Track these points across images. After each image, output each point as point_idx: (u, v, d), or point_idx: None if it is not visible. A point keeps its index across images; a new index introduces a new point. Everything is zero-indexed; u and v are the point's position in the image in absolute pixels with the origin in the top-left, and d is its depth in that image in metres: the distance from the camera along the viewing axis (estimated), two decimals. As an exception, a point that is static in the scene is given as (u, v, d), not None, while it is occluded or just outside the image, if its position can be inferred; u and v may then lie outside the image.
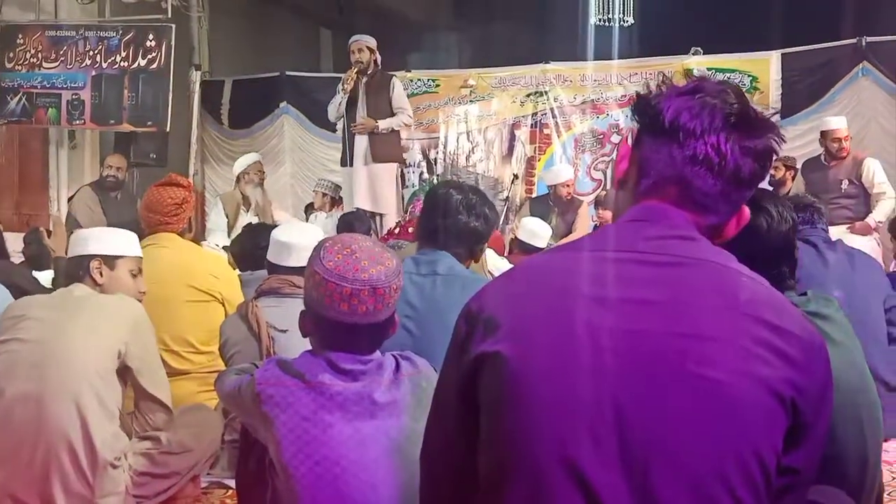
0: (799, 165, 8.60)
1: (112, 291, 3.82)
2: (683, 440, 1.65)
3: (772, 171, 8.41)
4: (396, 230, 7.70)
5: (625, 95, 10.66)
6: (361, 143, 8.37)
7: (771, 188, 7.04)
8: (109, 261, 3.85)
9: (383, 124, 8.29)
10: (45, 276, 6.33)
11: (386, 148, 8.42)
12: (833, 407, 1.80)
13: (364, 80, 8.30)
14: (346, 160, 8.48)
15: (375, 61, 8.46)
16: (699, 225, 1.80)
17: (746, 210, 1.86)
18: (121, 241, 3.94)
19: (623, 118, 10.83)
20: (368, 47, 8.42)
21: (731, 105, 1.78)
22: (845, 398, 2.58)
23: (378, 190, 8.39)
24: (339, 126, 9.04)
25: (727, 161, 1.77)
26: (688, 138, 1.77)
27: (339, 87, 8.50)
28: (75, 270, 3.84)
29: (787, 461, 1.70)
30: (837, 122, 8.19)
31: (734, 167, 1.77)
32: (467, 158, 11.52)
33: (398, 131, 8.62)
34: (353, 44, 8.50)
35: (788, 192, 7.91)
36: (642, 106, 1.84)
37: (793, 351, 1.70)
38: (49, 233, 7.65)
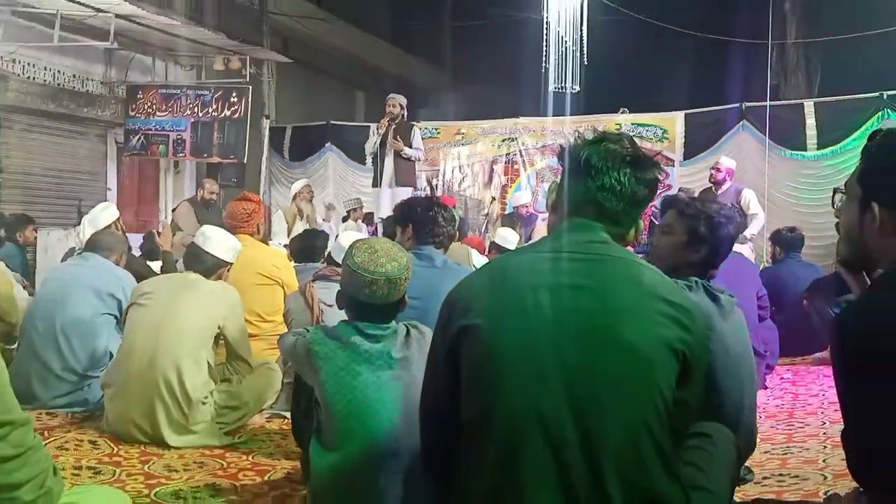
0: (696, 194, 8.59)
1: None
2: (611, 389, 1.66)
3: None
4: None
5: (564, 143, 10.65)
6: (388, 171, 8.34)
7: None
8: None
9: (406, 151, 8.25)
10: (156, 266, 6.33)
11: (405, 176, 8.39)
12: (720, 366, 1.82)
13: (393, 126, 8.27)
14: (377, 183, 8.47)
15: (403, 114, 8.43)
16: (611, 233, 1.84)
17: (641, 223, 1.90)
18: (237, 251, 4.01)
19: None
20: (400, 104, 8.37)
21: (627, 149, 1.85)
22: (728, 360, 2.59)
23: None
24: (369, 160, 9.10)
25: (626, 189, 1.82)
26: (598, 173, 1.82)
27: (375, 129, 8.46)
28: (215, 268, 3.87)
29: (680, 396, 1.73)
30: (727, 161, 8.19)
31: (631, 193, 1.83)
32: (459, 185, 11.59)
33: (414, 164, 8.59)
34: (389, 100, 8.44)
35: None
36: (567, 153, 1.89)
37: (682, 317, 1.73)
38: (159, 233, 7.65)
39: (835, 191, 1.89)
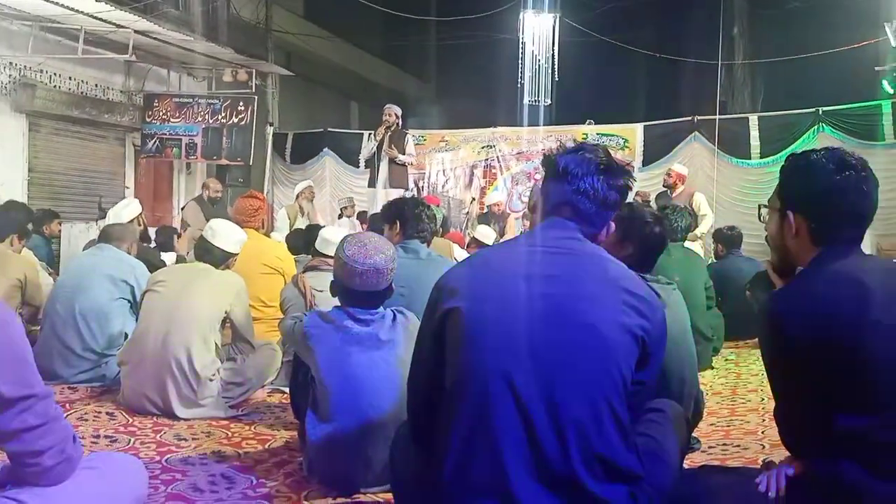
0: (652, 197, 8.63)
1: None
2: (575, 364, 1.67)
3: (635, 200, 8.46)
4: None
5: (544, 149, 10.67)
6: (383, 173, 8.31)
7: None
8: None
9: (400, 158, 8.20)
10: (169, 257, 6.29)
11: (398, 179, 8.34)
12: (665, 348, 1.83)
13: (388, 133, 8.23)
14: (372, 184, 8.43)
15: (398, 123, 8.39)
16: (584, 232, 1.84)
17: (612, 224, 1.92)
18: (241, 243, 3.95)
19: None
20: (395, 113, 8.31)
21: (601, 158, 1.85)
22: (671, 343, 2.61)
23: None
24: (362, 164, 9.04)
25: (599, 193, 1.83)
26: (574, 178, 1.83)
27: (372, 136, 8.39)
28: (222, 259, 3.81)
29: (638, 377, 1.73)
30: (678, 167, 8.21)
31: (603, 197, 1.83)
32: (442, 187, 11.58)
33: (406, 168, 8.54)
34: (385, 109, 8.36)
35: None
36: (547, 160, 1.89)
37: (643, 307, 1.74)
38: (179, 236, 7.61)
39: (760, 206, 1.98)
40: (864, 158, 1.80)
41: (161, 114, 10.39)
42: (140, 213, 5.05)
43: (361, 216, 9.74)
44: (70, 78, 9.35)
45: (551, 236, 1.81)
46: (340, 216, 10.18)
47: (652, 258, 2.92)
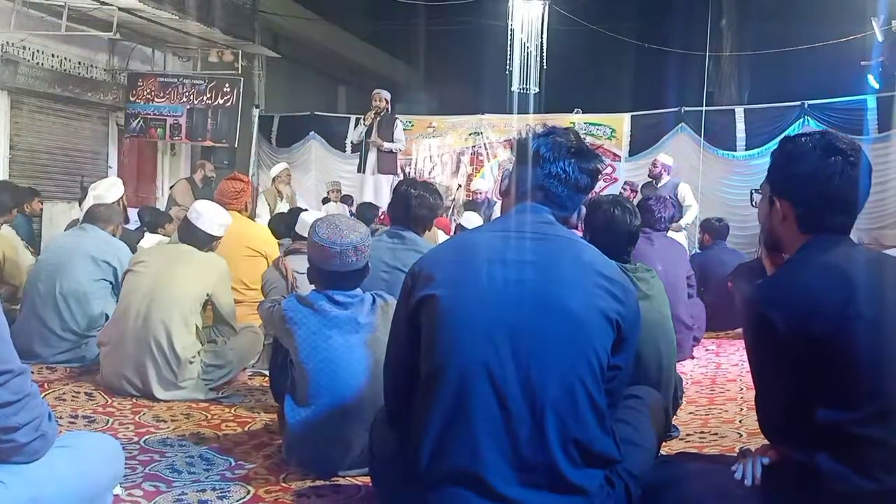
0: (639, 187, 8.64)
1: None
2: (551, 348, 1.67)
3: (623, 191, 8.47)
4: (381, 217, 7.68)
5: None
6: (371, 159, 8.26)
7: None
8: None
9: (387, 145, 8.17)
10: (154, 238, 6.24)
11: (387, 165, 8.31)
12: (642, 336, 1.84)
13: (378, 118, 8.17)
14: (361, 169, 8.38)
15: (387, 108, 8.33)
16: (556, 216, 1.84)
17: (584, 208, 1.92)
18: (226, 227, 3.91)
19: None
20: (385, 98, 8.27)
21: (572, 142, 1.85)
22: (649, 331, 2.63)
23: (379, 191, 8.25)
24: (349, 148, 8.93)
25: (570, 177, 1.83)
26: (545, 162, 1.83)
27: (361, 120, 8.33)
28: (206, 242, 3.78)
29: (614, 361, 1.74)
30: (664, 158, 8.22)
31: (574, 180, 1.83)
32: (430, 173, 11.49)
33: (396, 154, 8.50)
34: (375, 94, 8.32)
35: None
36: (518, 144, 1.88)
37: (618, 291, 1.74)
38: (171, 220, 7.49)
39: (752, 191, 1.96)
40: (856, 143, 1.74)
41: (145, 93, 10.27)
42: (122, 195, 5.01)
43: (346, 199, 9.70)
44: (53, 55, 9.23)
45: (524, 221, 1.81)
46: (326, 201, 10.14)
47: (615, 244, 2.84)
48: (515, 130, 11.15)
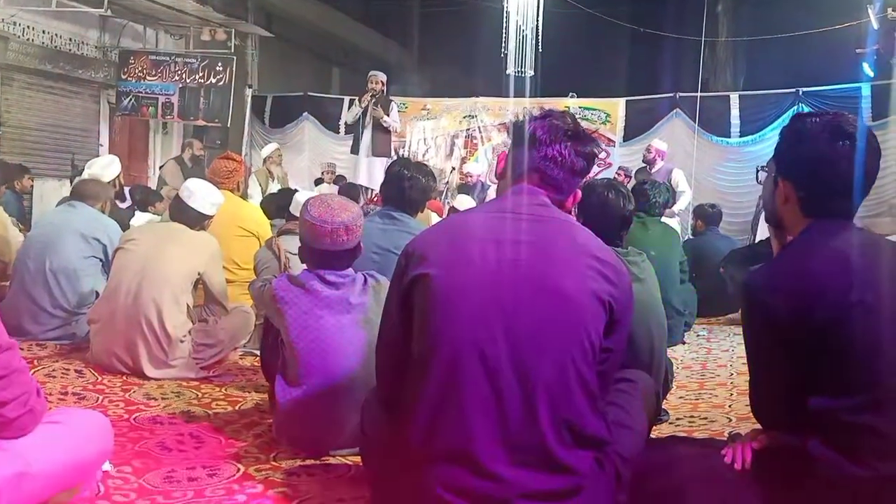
0: (633, 172, 8.63)
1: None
2: (543, 328, 1.66)
3: (617, 176, 8.46)
4: (374, 198, 7.67)
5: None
6: (366, 141, 8.22)
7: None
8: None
9: (386, 119, 8.09)
10: (145, 217, 6.21)
11: (381, 146, 8.27)
12: (633, 319, 1.84)
13: (373, 100, 8.13)
14: (355, 150, 8.35)
15: (383, 90, 8.29)
16: (552, 199, 1.83)
17: (579, 192, 1.91)
18: (218, 206, 3.88)
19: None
20: (381, 80, 8.22)
21: (569, 125, 1.84)
22: (640, 314, 2.62)
23: (373, 173, 8.21)
24: (342, 129, 8.85)
25: (566, 159, 1.82)
26: (542, 145, 1.82)
27: (356, 102, 8.29)
28: (197, 220, 3.75)
29: (606, 343, 1.73)
30: (658, 143, 8.21)
31: (570, 163, 1.82)
32: (423, 155, 11.42)
33: (390, 136, 8.44)
34: (371, 76, 8.25)
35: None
36: (515, 127, 1.88)
37: (610, 274, 1.74)
38: (163, 199, 7.44)
39: (758, 169, 1.93)
40: (866, 127, 1.68)
41: (137, 71, 10.19)
42: (119, 174, 4.97)
43: (339, 181, 9.67)
44: (44, 31, 9.13)
45: (519, 202, 1.80)
46: (319, 182, 10.11)
47: (609, 228, 2.81)
48: (510, 114, 11.12)
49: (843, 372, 1.58)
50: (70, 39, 9.55)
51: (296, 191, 5.58)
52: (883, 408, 1.56)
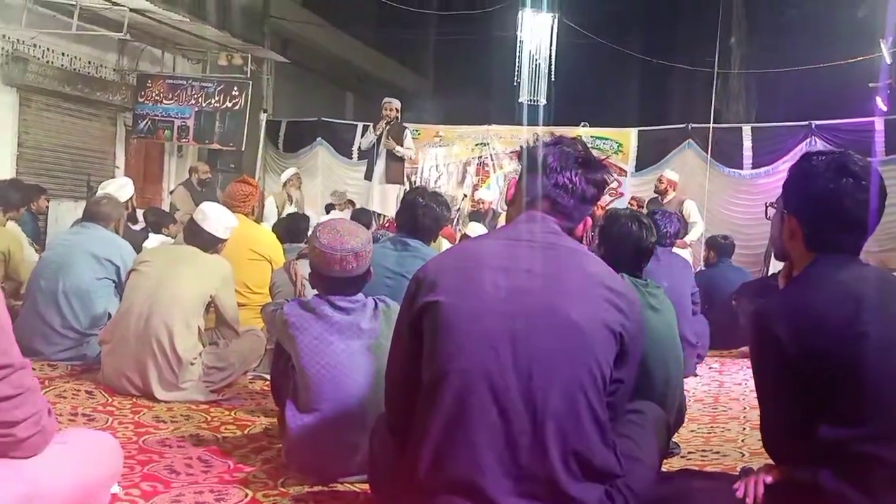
0: (645, 202, 8.63)
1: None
2: (553, 358, 1.66)
3: (629, 207, 8.46)
4: (386, 224, 7.69)
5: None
6: (379, 168, 8.30)
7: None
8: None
9: (399, 150, 8.18)
10: (158, 239, 6.24)
11: (394, 174, 8.34)
12: (648, 349, 1.83)
13: (388, 127, 8.19)
14: (369, 176, 8.40)
15: (397, 117, 8.35)
16: (562, 226, 1.83)
17: (589, 219, 1.92)
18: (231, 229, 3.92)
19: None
20: (396, 108, 8.30)
21: (580, 152, 1.85)
22: (656, 345, 2.62)
23: (386, 200, 8.30)
24: (355, 156, 8.90)
25: (577, 187, 1.82)
26: (552, 172, 1.82)
27: (370, 129, 8.37)
28: (211, 244, 3.78)
29: (617, 374, 1.73)
30: (670, 174, 8.21)
31: (581, 191, 1.83)
32: (436, 182, 11.44)
33: (403, 163, 8.51)
34: (385, 103, 8.33)
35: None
36: (526, 153, 1.88)
37: (622, 304, 1.73)
38: (175, 221, 7.51)
39: (767, 205, 1.96)
40: (871, 165, 1.74)
41: (154, 94, 10.30)
42: (132, 196, 5.02)
43: (348, 205, 9.71)
44: (63, 54, 9.27)
45: (530, 230, 1.81)
46: (330, 208, 10.14)
47: (630, 258, 2.90)
48: (522, 142, 11.15)
49: (852, 402, 1.59)
50: (89, 62, 9.70)
51: (306, 216, 5.61)
52: (891, 439, 1.57)
